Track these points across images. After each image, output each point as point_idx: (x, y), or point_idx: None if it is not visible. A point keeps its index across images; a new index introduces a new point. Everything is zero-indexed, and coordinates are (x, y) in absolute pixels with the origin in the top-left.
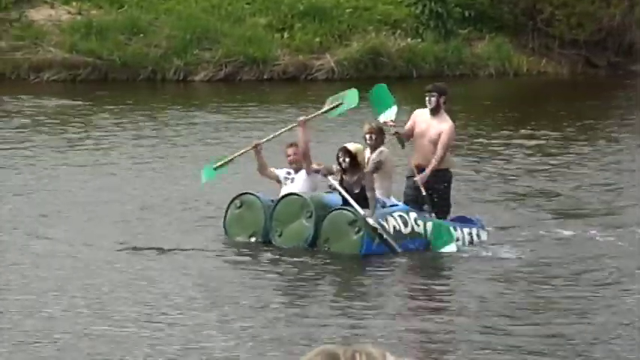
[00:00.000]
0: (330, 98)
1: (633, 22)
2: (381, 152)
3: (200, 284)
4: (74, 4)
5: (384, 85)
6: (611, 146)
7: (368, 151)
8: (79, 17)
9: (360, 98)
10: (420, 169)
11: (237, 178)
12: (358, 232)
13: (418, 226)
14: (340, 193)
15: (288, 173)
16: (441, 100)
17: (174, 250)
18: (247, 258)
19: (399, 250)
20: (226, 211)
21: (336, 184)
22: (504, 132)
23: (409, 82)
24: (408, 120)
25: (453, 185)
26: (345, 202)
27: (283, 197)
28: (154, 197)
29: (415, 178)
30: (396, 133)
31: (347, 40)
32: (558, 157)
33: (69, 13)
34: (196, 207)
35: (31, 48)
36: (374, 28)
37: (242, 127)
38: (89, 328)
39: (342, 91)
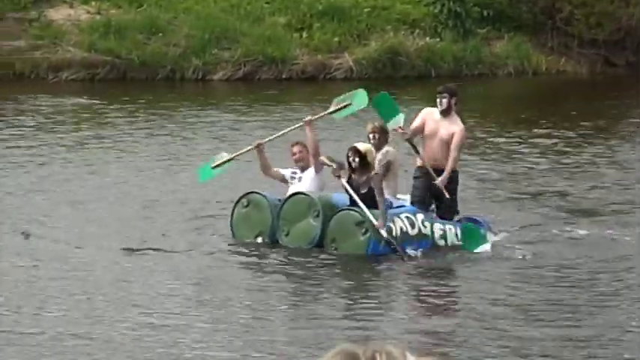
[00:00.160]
0: (337, 99)
1: None
2: (387, 152)
3: (206, 286)
4: (93, 3)
5: (386, 94)
6: (629, 145)
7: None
8: (97, 17)
9: (369, 99)
10: (428, 169)
11: (244, 177)
12: (365, 233)
13: (425, 227)
14: (349, 195)
15: (294, 173)
16: (452, 101)
17: (178, 251)
18: (254, 259)
19: (407, 256)
20: (233, 210)
21: (348, 186)
22: (521, 131)
23: (427, 82)
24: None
25: (467, 184)
26: (353, 202)
27: (290, 196)
28: (161, 196)
29: (435, 182)
30: (408, 140)
31: (365, 39)
32: (574, 156)
33: (88, 12)
34: (202, 207)
35: (50, 47)
36: (392, 27)
37: (257, 125)
38: (90, 330)
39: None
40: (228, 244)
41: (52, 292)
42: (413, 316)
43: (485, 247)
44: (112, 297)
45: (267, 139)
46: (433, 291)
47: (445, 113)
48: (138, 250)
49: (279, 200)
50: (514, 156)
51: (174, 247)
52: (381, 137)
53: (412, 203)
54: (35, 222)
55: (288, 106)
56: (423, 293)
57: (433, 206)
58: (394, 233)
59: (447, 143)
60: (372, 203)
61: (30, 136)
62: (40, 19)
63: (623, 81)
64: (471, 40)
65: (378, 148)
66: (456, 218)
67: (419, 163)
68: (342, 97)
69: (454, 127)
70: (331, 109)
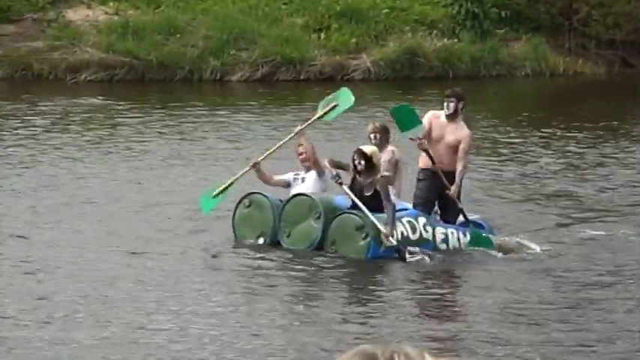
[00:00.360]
0: (323, 102)
1: None
2: (393, 151)
3: (207, 289)
4: (111, 4)
5: (407, 105)
6: None
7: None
8: (116, 17)
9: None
10: (441, 176)
11: (247, 178)
12: (365, 237)
13: (427, 232)
14: (352, 200)
15: (297, 174)
16: (459, 105)
17: (180, 252)
18: (256, 261)
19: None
20: (235, 211)
21: (350, 192)
22: (534, 132)
23: (445, 83)
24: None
25: (478, 185)
26: (355, 205)
27: (292, 197)
28: (163, 197)
29: (449, 193)
30: (426, 150)
31: (383, 40)
32: (586, 157)
33: (106, 13)
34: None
35: (69, 48)
36: (410, 28)
37: (273, 126)
38: (91, 332)
39: (377, 91)
40: (230, 246)
41: (54, 293)
42: (416, 319)
43: (494, 252)
44: (110, 298)
45: (262, 157)
46: (437, 294)
47: (451, 117)
48: (136, 252)
49: (281, 201)
50: (526, 156)
51: (174, 249)
52: (383, 137)
53: (415, 206)
54: (38, 222)
55: (305, 107)
56: (427, 296)
57: (436, 208)
58: (396, 237)
59: (452, 148)
60: (376, 206)
61: (41, 136)
62: (58, 19)
63: None
64: (488, 41)
65: (379, 148)
66: (459, 221)
67: (421, 165)
68: (327, 99)
69: (461, 133)
70: (319, 113)
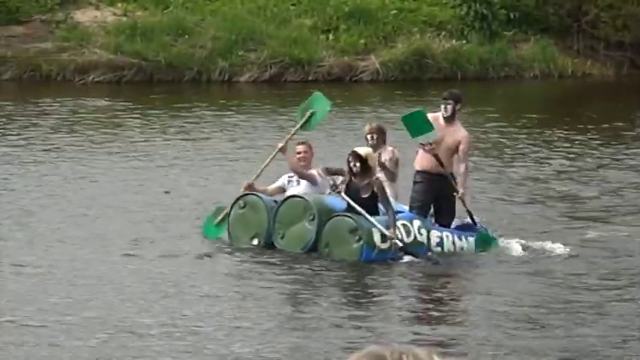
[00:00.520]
0: (299, 112)
1: None
2: (393, 151)
3: (203, 293)
4: (119, 5)
5: (422, 112)
6: None
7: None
8: (124, 18)
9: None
10: (450, 180)
11: (243, 178)
12: (359, 240)
13: (421, 235)
14: (349, 204)
15: (291, 177)
16: (457, 107)
17: (176, 253)
18: (252, 265)
19: (434, 260)
20: (229, 212)
21: (348, 199)
22: (539, 133)
23: (454, 84)
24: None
25: (481, 187)
26: (349, 207)
27: (287, 199)
28: (156, 199)
29: (459, 196)
30: (436, 155)
31: (392, 41)
32: (589, 159)
33: (114, 14)
34: (196, 208)
35: (77, 49)
36: (419, 29)
37: (280, 127)
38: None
39: (385, 92)
40: (225, 247)
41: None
42: (412, 322)
43: (499, 250)
44: (110, 298)
45: (254, 177)
46: (433, 297)
47: (449, 119)
48: (132, 253)
49: (276, 202)
50: (530, 158)
51: (171, 250)
52: (379, 138)
53: (411, 208)
54: (42, 222)
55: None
56: (422, 300)
57: (432, 211)
58: (389, 241)
59: (451, 150)
60: (373, 208)
61: (48, 136)
62: (66, 21)
63: None
64: (497, 43)
65: (376, 148)
66: (454, 224)
67: (418, 167)
68: (302, 107)
69: (459, 135)
70: (299, 124)
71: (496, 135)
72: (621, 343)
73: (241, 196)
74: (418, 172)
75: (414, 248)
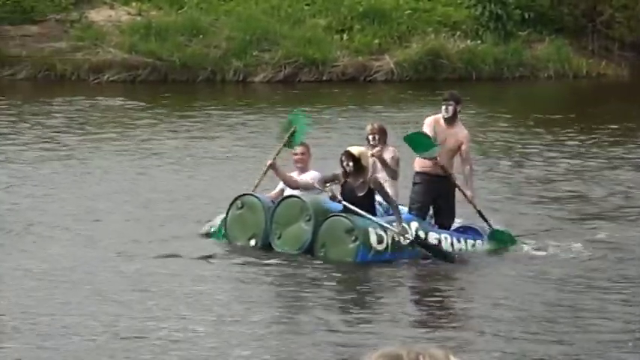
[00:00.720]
0: (281, 129)
1: None
2: (394, 150)
3: (201, 295)
4: (134, 4)
5: (421, 133)
6: None
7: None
8: (138, 18)
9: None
10: (457, 184)
11: (240, 179)
12: (354, 240)
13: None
14: (346, 206)
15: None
16: (458, 108)
17: (173, 254)
18: (251, 267)
19: (451, 257)
20: (227, 212)
21: (350, 205)
22: (552, 134)
23: (468, 84)
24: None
25: (490, 187)
26: (346, 208)
27: (284, 199)
28: (154, 197)
29: (468, 198)
30: (443, 167)
31: (406, 41)
32: (599, 159)
33: (129, 14)
34: (192, 208)
35: (91, 49)
36: (433, 29)
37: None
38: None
39: (399, 93)
40: (223, 248)
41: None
42: (415, 325)
43: (515, 247)
44: (108, 299)
45: (252, 189)
46: (438, 297)
47: (450, 121)
48: (130, 254)
49: (273, 202)
50: (541, 158)
51: (169, 251)
52: (381, 138)
53: (410, 210)
54: (44, 222)
55: (327, 107)
56: (425, 301)
57: (431, 212)
58: (386, 242)
59: (453, 151)
60: (369, 206)
61: (60, 136)
62: (81, 20)
63: None
64: (512, 43)
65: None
66: (454, 226)
67: (417, 168)
68: (283, 126)
69: (461, 135)
70: (283, 141)
71: (507, 135)
72: (627, 345)
73: (239, 197)
74: (417, 173)
75: (394, 253)
